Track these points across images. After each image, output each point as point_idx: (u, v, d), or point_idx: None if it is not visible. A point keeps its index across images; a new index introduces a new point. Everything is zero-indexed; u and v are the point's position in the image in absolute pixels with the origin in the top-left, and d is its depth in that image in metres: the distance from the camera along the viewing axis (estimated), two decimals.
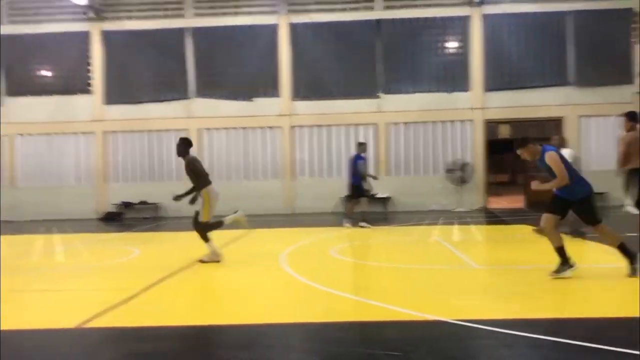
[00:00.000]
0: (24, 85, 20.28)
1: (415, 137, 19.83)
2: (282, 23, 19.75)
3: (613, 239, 6.77)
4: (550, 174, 6.69)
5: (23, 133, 20.22)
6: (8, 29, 20.08)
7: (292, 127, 19.89)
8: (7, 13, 20.26)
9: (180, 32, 19.93)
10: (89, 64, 20.18)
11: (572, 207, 6.80)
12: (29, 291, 7.30)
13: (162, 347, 4.74)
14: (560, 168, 6.56)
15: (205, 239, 8.76)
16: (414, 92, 19.48)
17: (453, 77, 19.52)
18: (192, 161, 8.83)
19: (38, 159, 20.21)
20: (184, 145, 8.85)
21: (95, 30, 20.04)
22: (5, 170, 20.13)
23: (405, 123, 19.74)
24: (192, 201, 8.91)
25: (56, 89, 20.24)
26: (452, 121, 19.70)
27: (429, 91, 19.47)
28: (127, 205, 19.64)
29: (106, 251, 11.50)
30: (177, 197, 8.82)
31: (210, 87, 19.95)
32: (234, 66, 19.69)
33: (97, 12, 19.86)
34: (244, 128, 20.01)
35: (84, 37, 20.10)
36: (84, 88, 20.19)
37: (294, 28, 19.71)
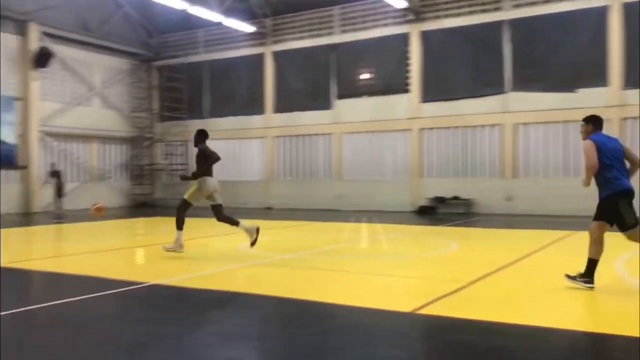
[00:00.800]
0: (351, 88, 22.38)
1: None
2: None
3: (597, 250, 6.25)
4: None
5: (349, 131, 22.30)
6: (338, 38, 22.43)
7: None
8: (339, 23, 22.57)
9: (497, 25, 19.54)
10: (407, 65, 21.20)
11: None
12: (362, 273, 7.92)
13: (497, 343, 4.61)
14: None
15: (179, 225, 9.47)
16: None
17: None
18: (200, 151, 9.40)
19: (362, 155, 22.08)
20: (199, 136, 9.56)
21: (414, 31, 20.96)
22: (335, 164, 22.53)
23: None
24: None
25: (378, 89, 21.82)
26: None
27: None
28: (440, 200, 20.10)
29: (425, 243, 11.90)
30: (182, 177, 9.97)
31: (528, 80, 19.13)
32: (555, 56, 18.53)
33: (416, 13, 20.72)
34: (564, 122, 18.63)
35: (404, 38, 21.19)
36: (403, 88, 21.30)
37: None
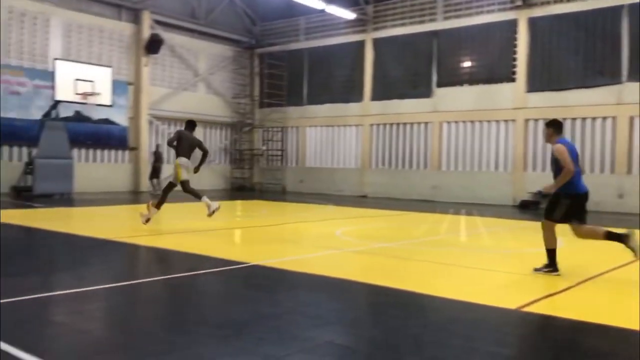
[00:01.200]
0: (452, 76, 21.79)
1: None
2: None
3: (548, 241, 6.88)
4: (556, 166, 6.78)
5: (449, 120, 21.75)
6: (440, 25, 21.88)
7: None
8: (442, 10, 21.99)
9: (614, 10, 18.26)
10: (513, 52, 20.33)
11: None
12: (462, 266, 7.69)
13: (608, 347, 4.31)
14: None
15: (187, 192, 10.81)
16: None
17: None
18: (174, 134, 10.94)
19: (461, 145, 21.49)
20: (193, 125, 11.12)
21: (522, 18, 20.03)
22: (432, 153, 22.08)
23: None
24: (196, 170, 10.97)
25: (481, 78, 21.09)
26: None
27: None
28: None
29: (527, 239, 11.39)
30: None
31: None
32: None
33: None
34: None
35: (511, 25, 20.31)
36: (507, 76, 20.46)
37: None
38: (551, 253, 6.89)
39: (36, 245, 9.35)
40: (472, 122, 21.26)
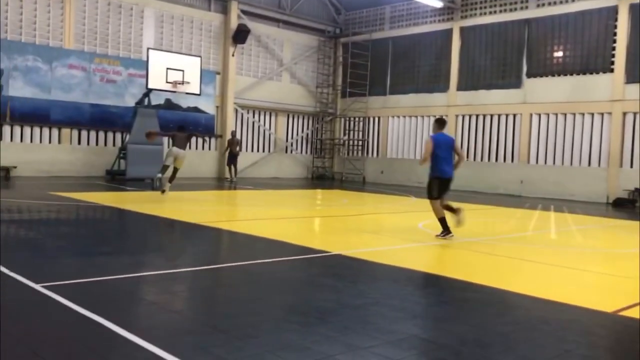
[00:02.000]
0: (543, 66, 20.84)
1: None
2: None
3: (436, 213, 8.86)
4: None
5: (540, 112, 20.84)
6: (532, 13, 20.96)
7: None
8: None
9: None
10: (612, 42, 19.17)
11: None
12: (553, 265, 7.34)
13: None
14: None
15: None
16: None
17: None
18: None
19: (552, 138, 20.55)
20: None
21: (622, 4, 18.83)
22: (521, 146, 21.27)
23: None
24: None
25: (574, 68, 20.06)
26: None
27: None
28: None
29: (622, 239, 10.75)
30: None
31: None
32: None
33: None
34: None
35: (610, 12, 19.16)
36: (605, 67, 19.33)
37: None
38: (442, 221, 8.73)
39: (128, 226, 9.80)
40: (564, 114, 20.27)
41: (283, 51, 25.86)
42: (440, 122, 9.04)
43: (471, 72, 22.68)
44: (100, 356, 3.47)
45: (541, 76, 20.82)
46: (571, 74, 20.08)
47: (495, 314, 4.94)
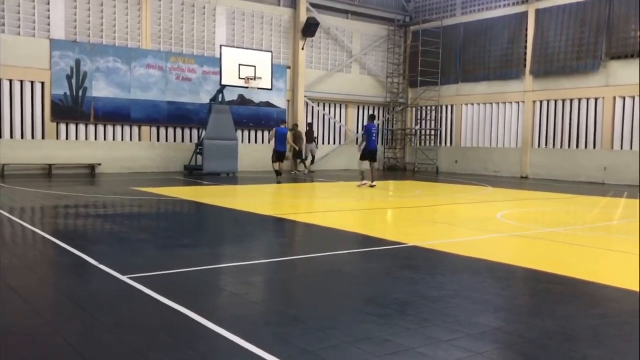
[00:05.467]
0: (626, 46, 19.70)
1: None
2: None
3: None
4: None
5: (624, 95, 19.76)
6: None
7: None
8: None
9: None
10: None
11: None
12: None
13: None
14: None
15: None
16: None
17: None
18: None
19: (637, 122, 19.44)
20: None
21: None
22: (603, 131, 20.24)
23: None
24: None
25: None
26: None
27: None
28: None
29: None
30: None
31: None
32: None
33: None
34: None
35: None
36: None
37: None
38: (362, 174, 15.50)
39: (206, 219, 10.07)
40: None
41: (352, 42, 25.75)
42: (370, 117, 16.36)
43: (548, 56, 21.75)
44: (187, 346, 3.57)
45: (625, 58, 19.70)
46: None
47: (583, 306, 4.73)
